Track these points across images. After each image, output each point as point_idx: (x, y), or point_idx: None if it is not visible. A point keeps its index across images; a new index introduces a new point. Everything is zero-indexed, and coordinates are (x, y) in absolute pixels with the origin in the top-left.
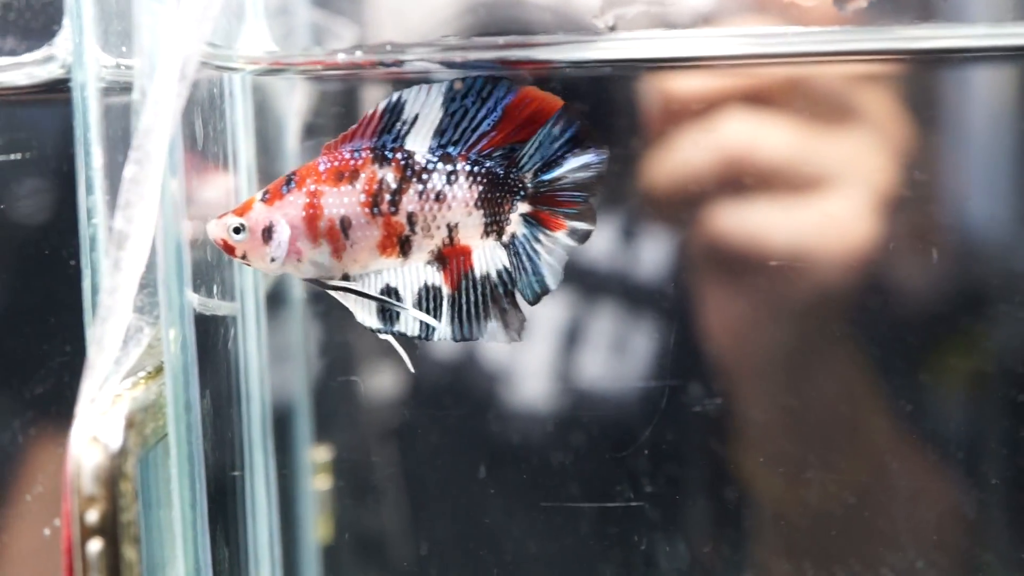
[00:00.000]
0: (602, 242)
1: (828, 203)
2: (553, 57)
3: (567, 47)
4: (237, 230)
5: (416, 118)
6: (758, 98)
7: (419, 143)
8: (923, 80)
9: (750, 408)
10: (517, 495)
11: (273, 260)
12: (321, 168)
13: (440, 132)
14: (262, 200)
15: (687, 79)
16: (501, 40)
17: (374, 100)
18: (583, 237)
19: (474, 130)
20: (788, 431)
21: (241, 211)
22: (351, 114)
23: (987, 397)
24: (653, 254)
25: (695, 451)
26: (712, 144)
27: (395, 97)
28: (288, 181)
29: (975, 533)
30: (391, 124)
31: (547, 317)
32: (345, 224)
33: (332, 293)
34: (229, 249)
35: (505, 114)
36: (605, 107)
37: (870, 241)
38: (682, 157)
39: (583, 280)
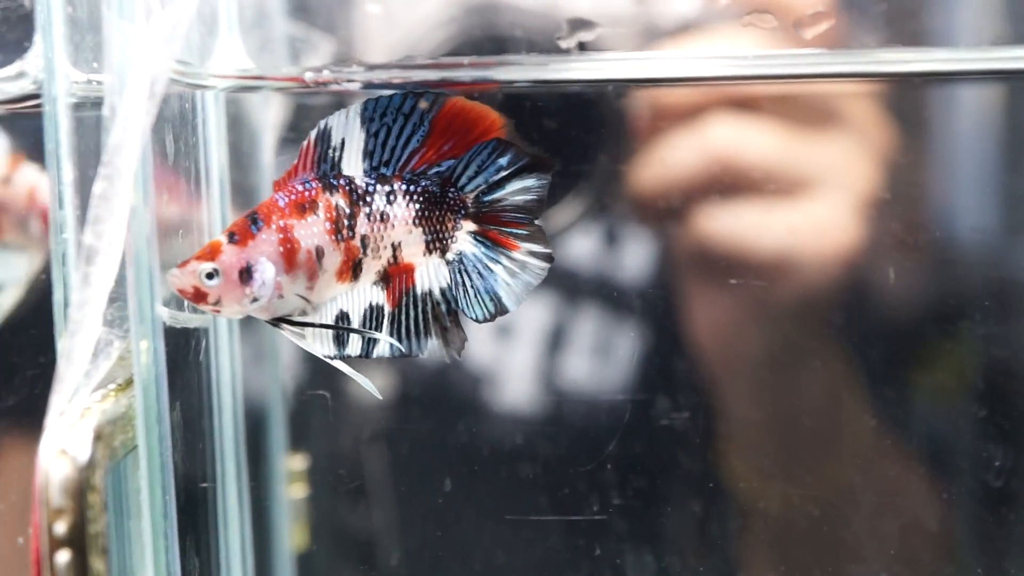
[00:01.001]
0: (587, 246)
1: (812, 207)
2: (524, 77)
3: (538, 67)
4: (210, 275)
5: (343, 143)
6: (743, 104)
7: (352, 167)
8: (909, 92)
9: (733, 414)
10: (490, 504)
11: (255, 300)
12: (281, 203)
13: (368, 154)
14: (231, 243)
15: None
16: (466, 60)
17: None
18: (545, 259)
19: (403, 148)
20: (770, 437)
21: (210, 255)
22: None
23: (968, 404)
24: (638, 258)
25: (669, 460)
26: (698, 149)
27: (322, 125)
28: (254, 220)
29: (944, 545)
30: (324, 153)
31: (530, 319)
32: (319, 254)
33: (286, 331)
34: (200, 297)
35: (433, 128)
36: (591, 113)
37: (853, 246)
38: (668, 162)
39: (566, 284)
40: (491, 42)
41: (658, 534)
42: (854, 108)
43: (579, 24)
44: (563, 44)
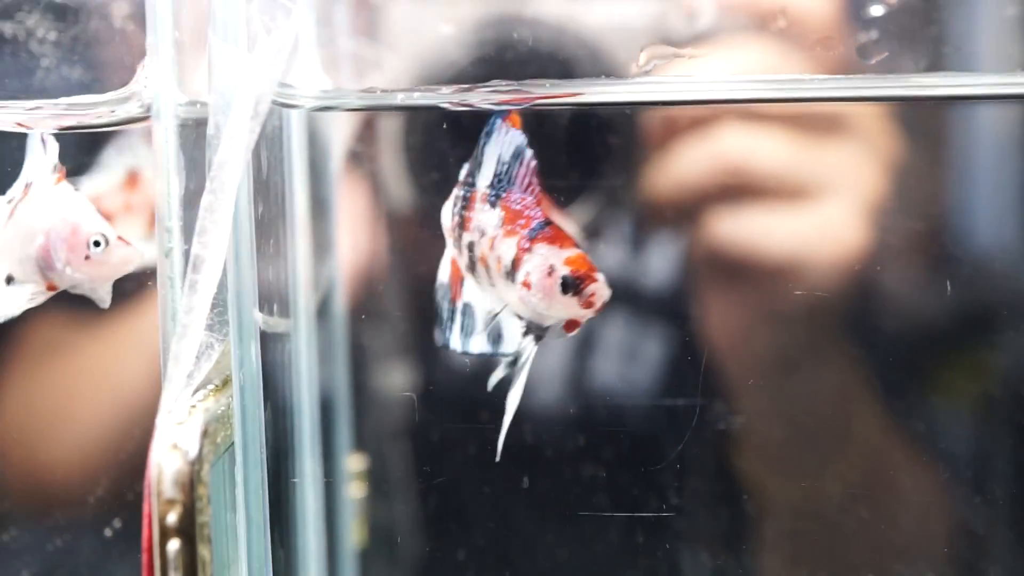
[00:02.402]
0: (605, 251)
1: (822, 213)
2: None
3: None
4: None
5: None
6: (753, 113)
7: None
8: (930, 108)
9: (751, 415)
10: (548, 504)
11: None
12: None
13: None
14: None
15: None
16: (548, 83)
17: (400, 126)
18: None
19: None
20: (788, 437)
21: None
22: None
23: (984, 411)
24: (652, 264)
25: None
26: (709, 157)
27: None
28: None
29: (978, 546)
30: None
31: None
32: None
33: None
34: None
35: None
36: (605, 122)
37: (862, 251)
38: (680, 168)
39: None
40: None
41: (688, 533)
42: (863, 117)
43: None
44: (635, 68)
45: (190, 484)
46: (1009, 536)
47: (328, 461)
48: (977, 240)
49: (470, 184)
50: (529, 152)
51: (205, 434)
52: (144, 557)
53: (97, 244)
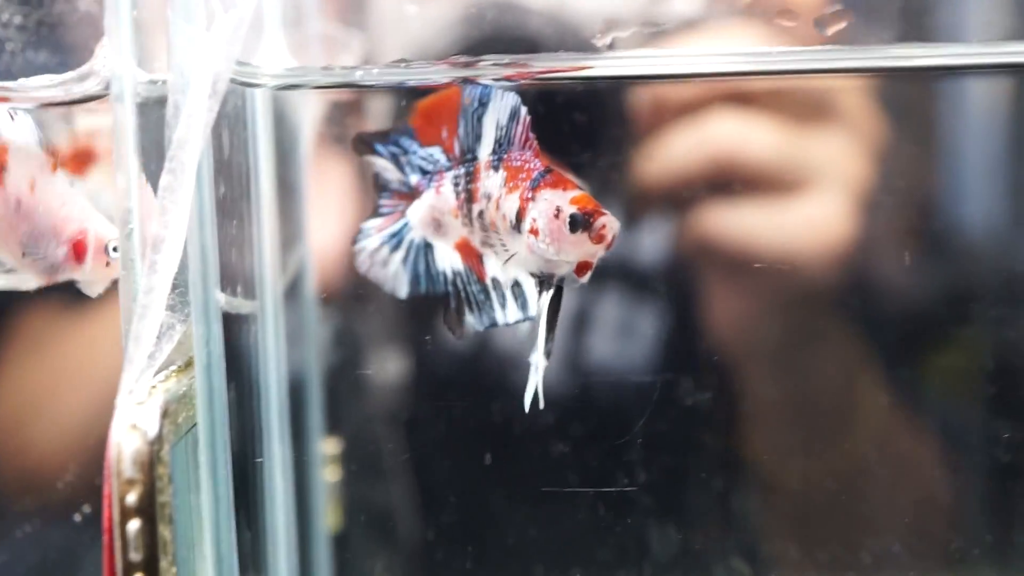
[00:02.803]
0: None
1: (812, 202)
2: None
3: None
4: None
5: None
6: (743, 99)
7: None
8: (914, 85)
9: (741, 398)
10: (520, 481)
11: None
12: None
13: None
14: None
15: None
16: (507, 59)
17: (381, 107)
18: None
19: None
20: (778, 421)
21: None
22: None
23: (970, 393)
24: (644, 251)
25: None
26: (700, 144)
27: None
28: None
29: (955, 516)
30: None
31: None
32: None
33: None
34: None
35: None
36: (596, 110)
37: (854, 236)
38: (671, 158)
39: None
40: (505, 42)
41: (682, 509)
42: (852, 102)
43: (614, 23)
44: (598, 42)
45: (150, 464)
46: (991, 509)
47: (300, 444)
48: (965, 221)
49: (471, 159)
50: (524, 109)
51: (165, 414)
52: (105, 537)
53: (115, 249)
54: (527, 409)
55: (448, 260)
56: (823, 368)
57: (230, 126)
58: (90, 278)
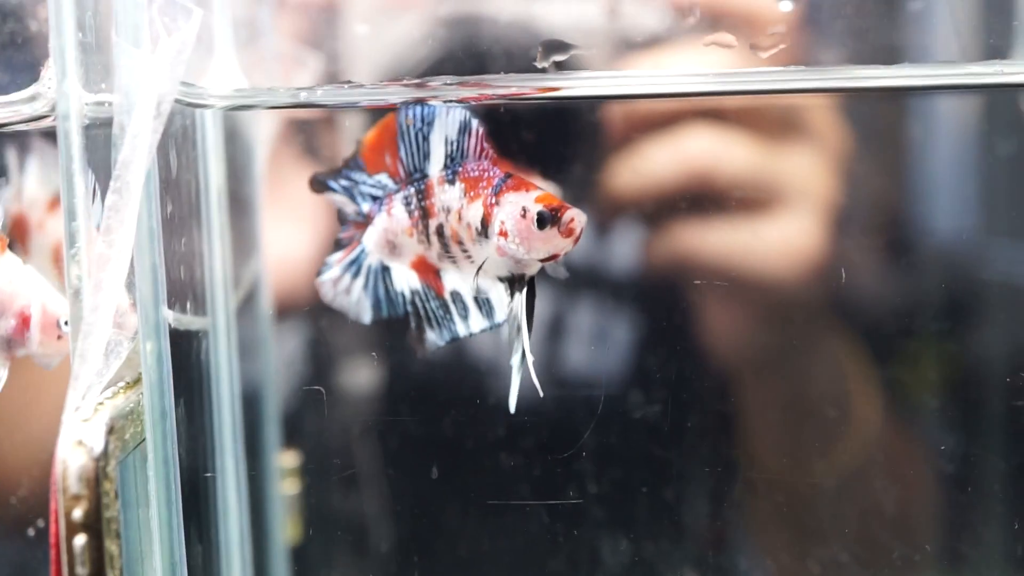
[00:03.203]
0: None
1: (784, 219)
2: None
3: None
4: None
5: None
6: (717, 115)
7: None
8: (883, 105)
9: (713, 411)
10: (475, 494)
11: None
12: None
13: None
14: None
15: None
16: (459, 79)
17: (337, 126)
18: None
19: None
20: (747, 433)
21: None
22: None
23: (944, 397)
24: (620, 258)
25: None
26: (675, 160)
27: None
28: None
29: (906, 530)
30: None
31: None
32: None
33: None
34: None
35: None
36: (569, 123)
37: (824, 251)
38: (644, 171)
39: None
40: (471, 59)
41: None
42: (822, 119)
43: (554, 46)
44: (538, 64)
45: (96, 480)
46: (965, 513)
47: (256, 458)
48: (935, 234)
49: (420, 177)
50: (475, 121)
51: (111, 431)
52: (52, 552)
53: (66, 323)
54: (512, 410)
55: (405, 280)
56: (796, 381)
57: (177, 146)
58: (41, 351)
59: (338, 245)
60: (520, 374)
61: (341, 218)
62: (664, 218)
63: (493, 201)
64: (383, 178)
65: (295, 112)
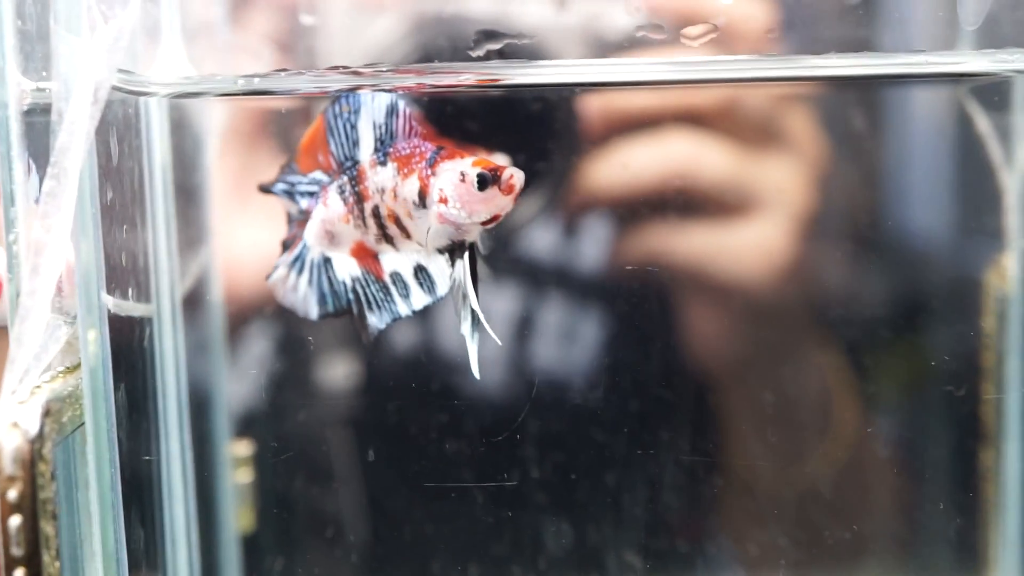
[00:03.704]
0: (548, 240)
1: (759, 223)
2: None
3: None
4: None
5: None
6: (697, 117)
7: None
8: (861, 96)
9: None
10: (417, 479)
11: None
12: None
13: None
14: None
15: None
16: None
17: (287, 115)
18: None
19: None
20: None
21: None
22: (266, 129)
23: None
24: (593, 256)
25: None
26: (655, 160)
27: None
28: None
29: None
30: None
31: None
32: None
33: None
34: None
35: None
36: (550, 116)
37: (801, 254)
38: (624, 170)
39: (529, 276)
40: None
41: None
42: (800, 123)
43: (490, 35)
44: (473, 54)
45: (31, 461)
46: (941, 508)
47: (205, 446)
48: (912, 234)
49: (351, 164)
50: (402, 103)
51: (48, 413)
52: None
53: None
54: (477, 377)
55: (347, 269)
56: (771, 385)
57: (119, 133)
58: None
59: (284, 247)
60: (475, 340)
61: (288, 220)
62: (637, 218)
63: (429, 173)
64: (317, 175)
65: (252, 101)
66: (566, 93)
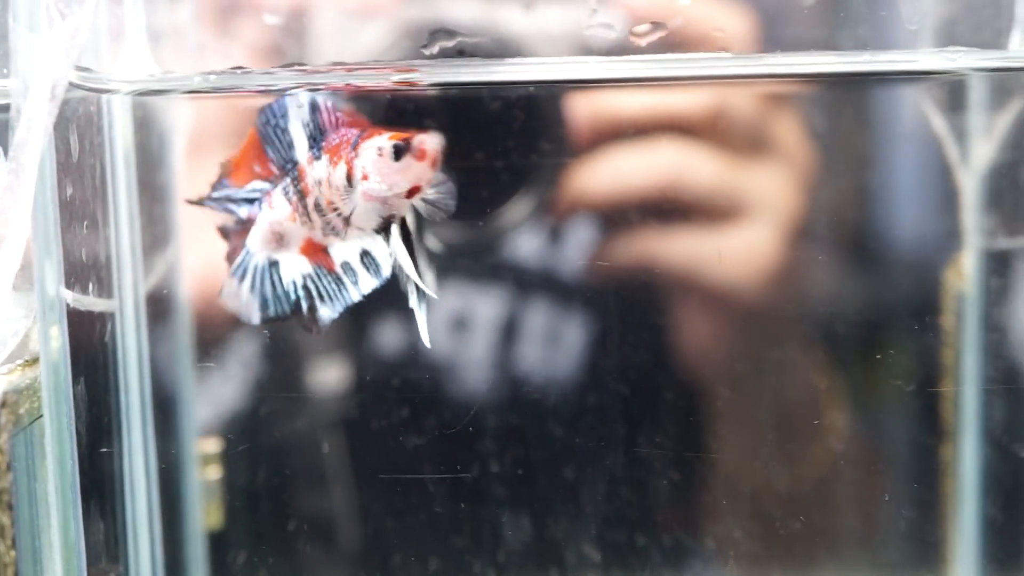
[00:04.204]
0: (535, 244)
1: (746, 229)
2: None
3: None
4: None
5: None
6: (684, 124)
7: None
8: (839, 99)
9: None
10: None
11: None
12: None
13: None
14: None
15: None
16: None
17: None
18: None
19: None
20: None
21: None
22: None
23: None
24: (575, 266)
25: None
26: (645, 167)
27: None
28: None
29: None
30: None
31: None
32: None
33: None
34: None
35: None
36: (538, 117)
37: (787, 264)
38: (613, 176)
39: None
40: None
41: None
42: (782, 132)
43: (443, 33)
44: (426, 51)
45: None
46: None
47: (171, 441)
48: (899, 239)
49: (292, 167)
50: (321, 98)
51: (4, 404)
52: None
53: None
54: (428, 345)
55: (296, 269)
56: (758, 390)
57: (80, 130)
58: None
59: (229, 260)
60: (423, 310)
61: (225, 234)
62: (626, 224)
63: (352, 155)
64: (255, 184)
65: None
66: (524, 92)
